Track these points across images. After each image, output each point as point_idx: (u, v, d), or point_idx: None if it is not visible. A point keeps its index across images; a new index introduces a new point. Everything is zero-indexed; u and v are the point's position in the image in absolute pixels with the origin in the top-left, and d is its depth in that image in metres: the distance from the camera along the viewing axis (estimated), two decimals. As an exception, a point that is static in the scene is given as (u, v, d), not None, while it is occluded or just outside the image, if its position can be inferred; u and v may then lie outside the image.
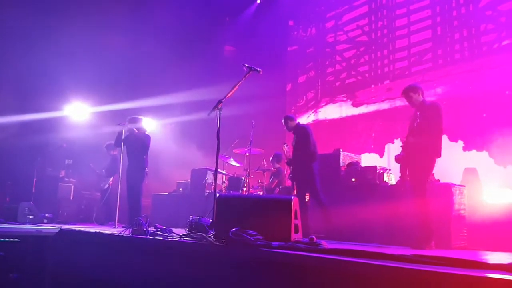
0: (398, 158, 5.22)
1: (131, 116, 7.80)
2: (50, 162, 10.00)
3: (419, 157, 4.97)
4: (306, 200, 6.46)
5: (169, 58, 11.19)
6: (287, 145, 6.98)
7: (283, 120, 6.83)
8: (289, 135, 7.16)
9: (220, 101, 4.79)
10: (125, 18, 10.57)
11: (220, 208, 4.46)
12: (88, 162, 9.70)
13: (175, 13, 11.19)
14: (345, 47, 10.83)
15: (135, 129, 7.56)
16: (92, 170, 9.57)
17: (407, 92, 5.27)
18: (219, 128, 4.83)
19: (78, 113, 11.03)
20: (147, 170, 7.61)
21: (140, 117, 7.85)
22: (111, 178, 8.52)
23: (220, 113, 4.83)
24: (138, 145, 7.56)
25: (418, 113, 5.14)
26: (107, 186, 9.18)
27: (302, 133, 6.52)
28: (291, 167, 6.72)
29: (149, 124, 8.09)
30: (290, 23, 12.43)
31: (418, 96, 5.22)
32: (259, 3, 12.52)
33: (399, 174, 5.31)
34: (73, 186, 10.16)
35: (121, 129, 7.49)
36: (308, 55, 11.74)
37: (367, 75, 10.21)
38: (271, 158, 8.76)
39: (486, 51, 8.03)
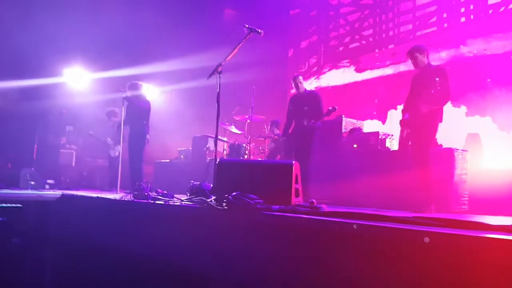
0: (405, 122, 5.15)
1: (131, 82, 7.70)
2: (51, 129, 9.97)
3: (425, 123, 4.92)
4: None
5: (169, 23, 10.96)
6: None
7: (296, 80, 6.73)
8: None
9: (219, 64, 4.70)
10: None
11: (221, 173, 4.45)
12: (88, 129, 9.66)
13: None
14: (349, 10, 10.55)
15: (135, 95, 7.48)
16: (92, 137, 9.52)
17: (413, 53, 5.18)
18: (219, 92, 4.76)
19: (77, 79, 10.91)
20: (148, 136, 7.58)
21: (140, 83, 7.74)
22: (120, 146, 8.41)
23: (220, 77, 4.74)
24: (139, 111, 7.50)
25: (424, 77, 5.05)
26: (117, 154, 9.06)
27: (316, 99, 6.46)
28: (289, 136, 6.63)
29: (150, 91, 7.97)
30: (293, -15, 12.10)
31: (423, 58, 5.15)
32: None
33: (399, 138, 5.27)
34: (74, 153, 10.17)
35: (122, 95, 7.40)
36: (311, 19, 11.47)
37: (371, 39, 10.00)
38: (269, 125, 8.71)
39: (492, 14, 7.82)
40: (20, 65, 9.60)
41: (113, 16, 10.02)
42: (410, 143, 5.12)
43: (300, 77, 6.78)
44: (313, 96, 6.65)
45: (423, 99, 4.93)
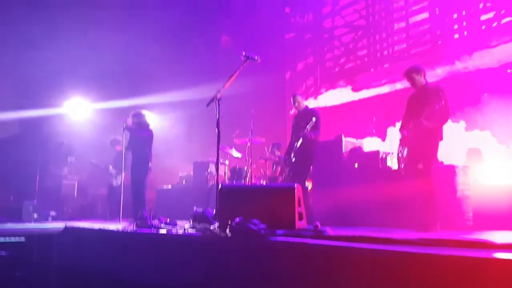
0: (404, 139, 5.15)
1: (135, 111, 7.78)
2: (53, 160, 9.99)
3: (426, 141, 4.91)
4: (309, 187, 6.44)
5: (167, 53, 11.12)
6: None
7: (296, 98, 6.71)
8: (290, 124, 7.10)
9: (218, 92, 4.75)
10: (122, 14, 10.50)
11: (223, 199, 4.45)
12: (89, 159, 9.68)
13: (171, 5, 11.10)
14: (343, 31, 10.71)
15: (138, 124, 7.55)
16: (95, 166, 9.54)
17: (410, 74, 5.19)
18: (218, 118, 4.79)
19: (77, 109, 10.99)
20: (151, 164, 7.60)
21: (143, 111, 7.82)
22: (123, 175, 8.37)
23: (219, 104, 4.78)
24: (142, 140, 7.55)
25: (422, 96, 5.07)
26: (119, 183, 8.99)
27: (314, 114, 6.40)
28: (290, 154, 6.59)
29: (151, 119, 8.04)
30: (287, 10, 12.30)
31: (420, 78, 5.16)
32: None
33: (397, 157, 5.26)
34: (76, 183, 10.17)
35: (125, 124, 7.45)
36: (306, 42, 11.63)
37: (366, 59, 10.12)
38: (270, 147, 8.73)
39: (485, 29, 7.94)
40: (21, 97, 9.70)
41: (112, 47, 10.16)
42: (410, 161, 5.08)
43: (299, 96, 6.79)
44: (312, 113, 6.60)
45: (425, 115, 4.89)
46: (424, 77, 5.19)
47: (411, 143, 5.06)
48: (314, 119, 6.19)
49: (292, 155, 6.30)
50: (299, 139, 6.27)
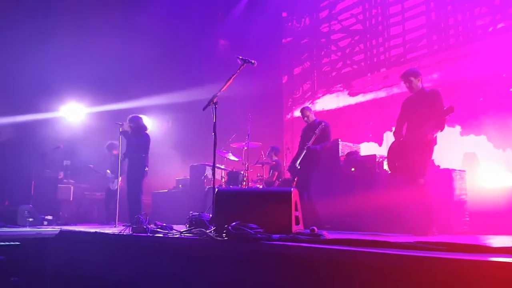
0: (398, 146, 5.14)
1: (132, 115, 7.77)
2: (48, 164, 9.95)
3: (421, 147, 4.89)
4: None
5: (164, 56, 11.13)
6: None
7: (305, 112, 6.84)
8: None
9: (215, 96, 4.76)
10: (118, 17, 10.51)
11: (220, 203, 4.43)
12: (86, 163, 9.65)
13: (167, 10, 11.11)
14: (339, 36, 10.75)
15: (135, 128, 7.55)
16: (92, 171, 9.51)
17: (408, 76, 5.18)
18: (215, 122, 4.79)
19: (73, 113, 10.97)
20: (147, 169, 7.58)
21: (140, 116, 7.82)
22: (120, 179, 8.32)
23: (215, 108, 4.78)
24: (138, 144, 7.53)
25: (419, 101, 5.07)
26: (116, 187, 8.96)
27: (324, 128, 6.49)
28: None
29: (148, 123, 8.03)
30: (284, 14, 12.34)
31: (418, 82, 5.16)
32: (251, -4, 12.43)
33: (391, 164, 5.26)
34: (72, 187, 10.12)
35: (121, 128, 7.44)
36: (303, 46, 11.67)
37: (362, 63, 10.15)
38: (268, 151, 8.73)
39: (481, 34, 7.98)
40: (16, 102, 9.67)
41: (108, 51, 10.16)
42: (406, 168, 5.05)
43: (307, 110, 6.84)
44: (320, 124, 6.58)
45: (429, 125, 4.83)
46: (421, 82, 5.21)
47: (407, 150, 5.03)
48: (317, 131, 6.35)
49: (297, 163, 6.36)
50: (304, 151, 6.33)
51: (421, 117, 4.95)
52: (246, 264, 3.44)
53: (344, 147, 7.05)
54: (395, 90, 9.00)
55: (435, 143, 4.98)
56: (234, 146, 8.50)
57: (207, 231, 4.13)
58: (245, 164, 7.98)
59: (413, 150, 4.94)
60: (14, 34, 9.50)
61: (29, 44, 9.56)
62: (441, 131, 4.90)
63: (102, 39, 10.29)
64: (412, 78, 5.16)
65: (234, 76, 4.82)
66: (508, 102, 7.26)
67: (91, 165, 9.53)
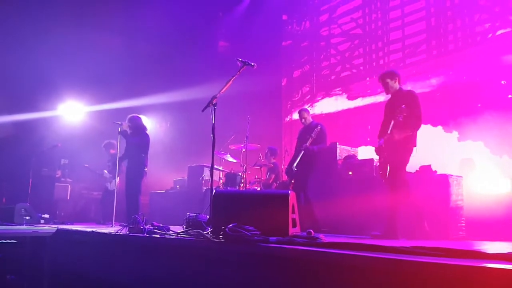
0: (380, 148, 5.11)
1: (131, 115, 7.75)
2: (46, 162, 9.91)
3: (398, 148, 4.87)
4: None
5: (164, 56, 11.13)
6: None
7: (302, 113, 6.88)
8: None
9: (214, 97, 4.77)
10: (118, 16, 10.49)
11: (217, 204, 4.43)
12: (84, 162, 9.63)
13: (168, 10, 11.12)
14: (339, 40, 10.80)
15: (134, 128, 7.54)
16: (87, 170, 9.48)
17: (384, 78, 5.16)
18: (214, 124, 4.81)
19: (72, 112, 10.96)
20: (146, 169, 7.56)
21: (140, 116, 7.80)
22: (118, 179, 8.29)
23: (214, 109, 4.79)
24: (138, 144, 7.52)
25: (395, 102, 5.04)
26: (114, 187, 8.89)
27: (320, 131, 6.51)
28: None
29: (147, 123, 8.01)
30: (284, 17, 12.38)
31: (394, 83, 5.12)
32: (252, -2, 12.46)
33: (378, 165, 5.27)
34: (69, 186, 10.10)
35: (120, 128, 7.43)
36: (302, 49, 11.71)
37: (361, 68, 10.19)
38: (265, 153, 8.74)
39: (480, 40, 8.02)
40: (15, 100, 9.65)
41: (106, 50, 10.16)
42: (384, 170, 5.04)
43: (305, 112, 6.88)
44: (316, 126, 6.62)
45: (395, 126, 4.88)
46: (399, 83, 5.16)
47: (385, 151, 5.01)
48: (313, 134, 6.36)
49: (294, 165, 6.38)
50: (301, 152, 6.35)
51: (396, 120, 4.92)
52: (242, 266, 3.45)
53: (342, 151, 7.06)
54: (394, 95, 9.00)
55: (414, 145, 4.93)
56: (233, 148, 8.50)
57: (204, 232, 4.14)
58: (243, 166, 7.98)
59: (388, 151, 4.94)
60: (13, 31, 9.49)
61: (27, 41, 9.54)
62: (412, 132, 4.88)
63: (101, 38, 10.29)
64: (388, 80, 5.14)
65: (234, 78, 4.83)
66: (506, 108, 7.29)
67: (86, 165, 9.49)
